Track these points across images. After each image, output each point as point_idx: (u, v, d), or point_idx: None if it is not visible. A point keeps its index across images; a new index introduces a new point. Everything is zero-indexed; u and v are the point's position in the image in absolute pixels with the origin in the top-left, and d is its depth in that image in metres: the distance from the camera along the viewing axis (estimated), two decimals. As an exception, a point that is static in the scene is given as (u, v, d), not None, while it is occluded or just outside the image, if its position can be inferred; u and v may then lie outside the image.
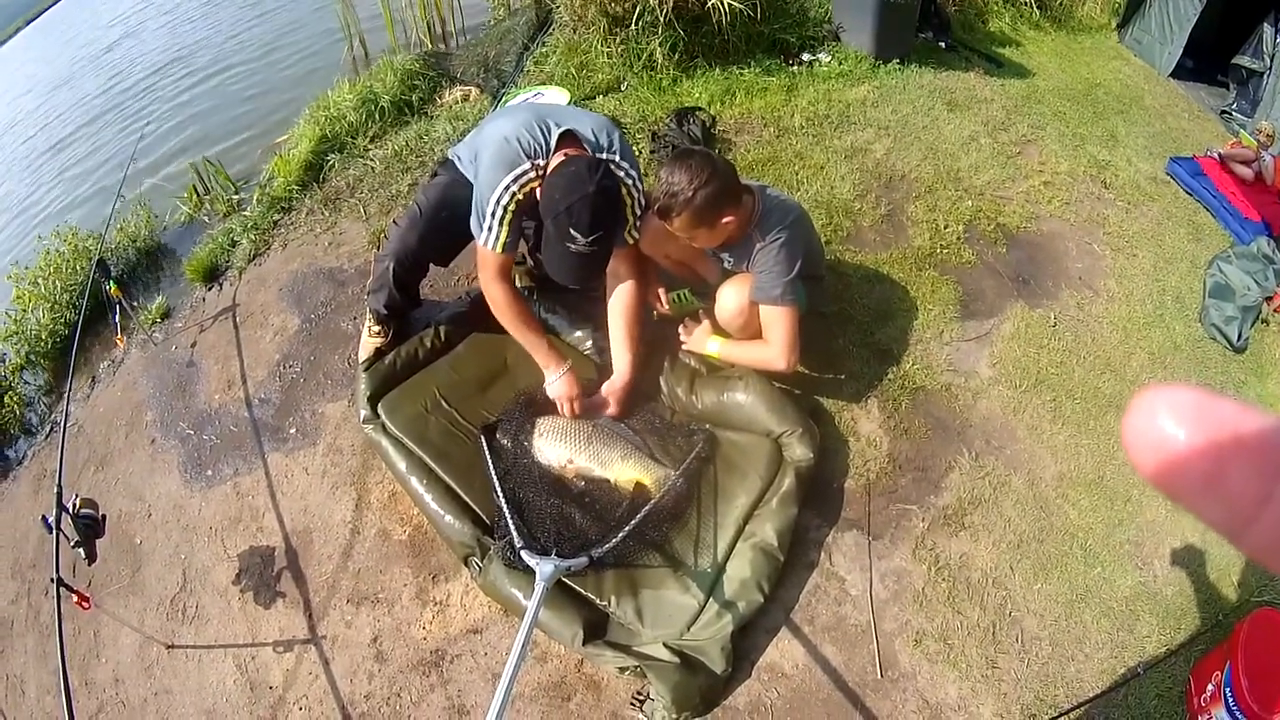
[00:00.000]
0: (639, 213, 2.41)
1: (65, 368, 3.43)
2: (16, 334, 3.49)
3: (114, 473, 2.96)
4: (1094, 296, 3.19)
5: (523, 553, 2.01)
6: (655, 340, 2.75)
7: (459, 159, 2.53)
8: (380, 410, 2.60)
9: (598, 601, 2.18)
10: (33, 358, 3.46)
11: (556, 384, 2.47)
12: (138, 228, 3.91)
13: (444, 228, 2.49)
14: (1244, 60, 4.89)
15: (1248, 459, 0.26)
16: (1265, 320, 3.24)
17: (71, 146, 5.86)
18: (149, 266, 3.83)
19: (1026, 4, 5.49)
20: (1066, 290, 3.20)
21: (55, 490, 2.22)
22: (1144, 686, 2.12)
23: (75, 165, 5.60)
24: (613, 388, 2.51)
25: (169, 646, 2.45)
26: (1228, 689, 1.90)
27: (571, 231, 2.13)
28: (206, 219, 4.00)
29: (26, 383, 3.47)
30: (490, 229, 2.28)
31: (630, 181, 2.33)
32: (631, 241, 2.45)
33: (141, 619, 2.55)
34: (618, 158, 2.30)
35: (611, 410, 2.50)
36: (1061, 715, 1.96)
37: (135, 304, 3.45)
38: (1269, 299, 3.26)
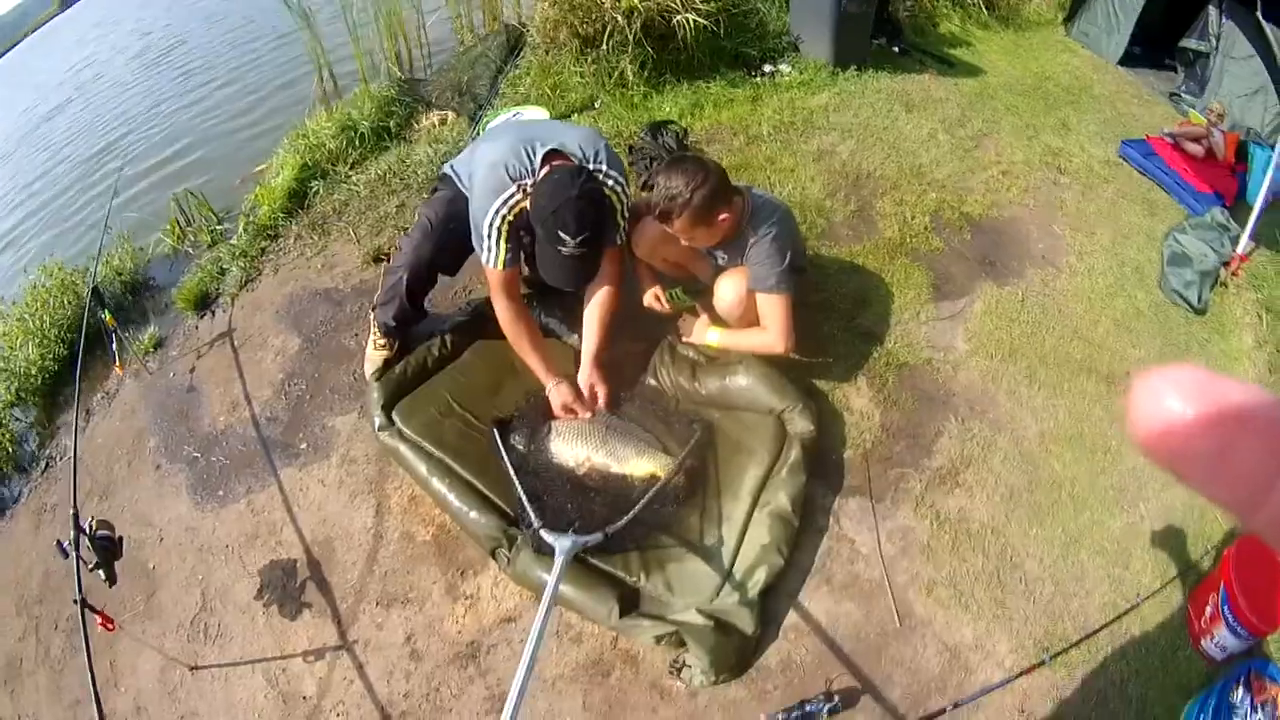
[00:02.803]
0: (626, 218, 2.56)
1: (57, 403, 3.43)
2: (5, 370, 3.44)
3: (119, 501, 2.94)
4: (1057, 273, 3.43)
5: (541, 531, 2.10)
6: (655, 335, 2.89)
7: (456, 175, 2.66)
8: (395, 417, 2.66)
9: (627, 578, 2.27)
10: (23, 394, 3.41)
11: (551, 395, 2.59)
12: (122, 260, 3.90)
13: (453, 238, 2.60)
14: (1190, 43, 5.17)
15: (1256, 437, 0.26)
16: (1224, 284, 3.49)
17: (42, 184, 5.78)
18: (136, 299, 3.81)
19: (974, 5, 5.82)
20: (1031, 269, 3.43)
21: (71, 512, 2.16)
22: (1145, 616, 2.28)
23: (47, 204, 5.54)
24: (584, 372, 2.61)
25: (193, 668, 2.42)
26: (1225, 607, 2.07)
27: (560, 234, 2.27)
28: (191, 250, 4.01)
29: (18, 419, 3.41)
30: (489, 249, 2.42)
31: (619, 190, 2.48)
32: (619, 244, 2.59)
33: (161, 643, 2.52)
34: (605, 167, 2.44)
35: (602, 392, 2.59)
36: (1071, 647, 2.10)
37: (126, 335, 3.45)
38: (1226, 264, 3.49)
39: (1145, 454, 0.28)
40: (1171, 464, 0.28)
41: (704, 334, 2.75)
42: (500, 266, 2.44)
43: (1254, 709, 1.96)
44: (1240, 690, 2.01)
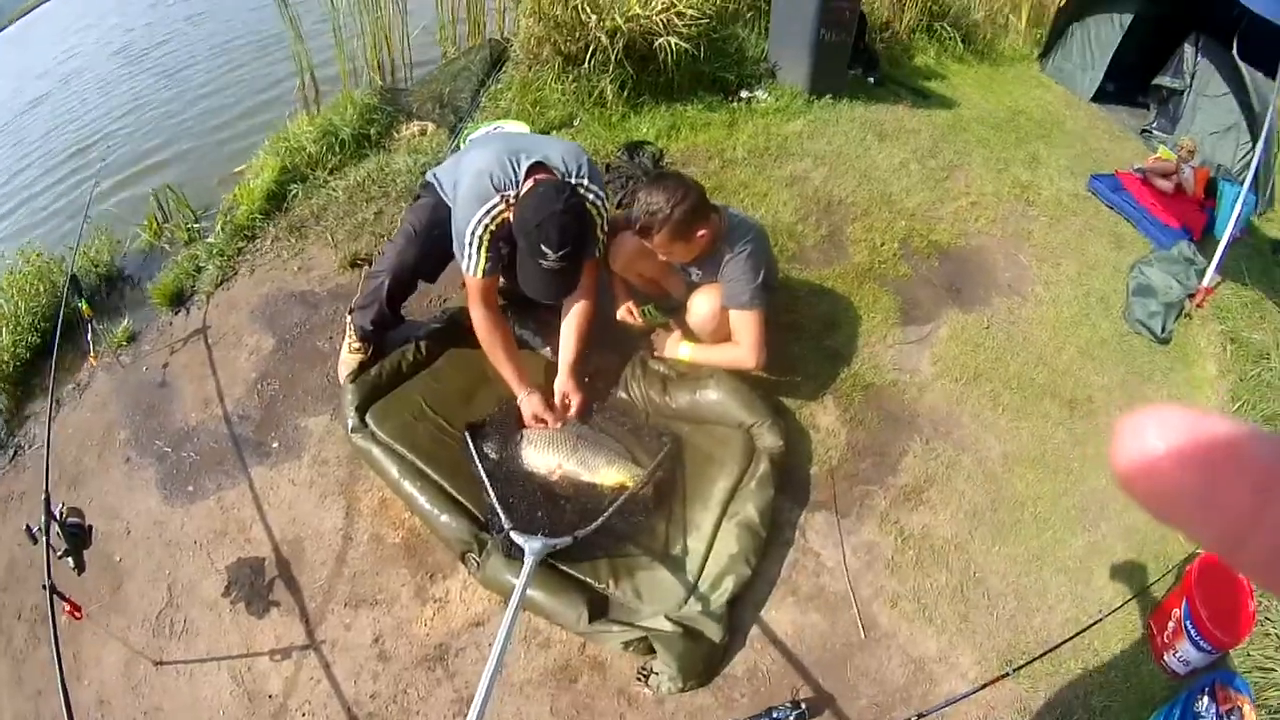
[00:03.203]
0: (605, 232, 2.64)
1: (27, 391, 3.37)
2: (-24, 357, 3.37)
3: (87, 493, 2.90)
4: (1023, 301, 3.56)
5: (512, 533, 2.12)
6: (627, 349, 2.94)
7: (439, 184, 2.70)
8: (369, 419, 2.67)
9: (596, 585, 2.30)
10: (-8, 381, 3.35)
11: (523, 405, 2.64)
12: (99, 252, 3.86)
13: (437, 245, 2.64)
14: (1164, 80, 5.34)
15: (1241, 473, 0.26)
16: (1189, 315, 3.63)
17: (13, 186, 5.67)
18: (111, 291, 3.78)
19: (951, 39, 5.99)
20: (997, 297, 3.55)
21: (43, 496, 2.17)
22: (1107, 632, 2.37)
23: (26, 193, 5.46)
24: (560, 381, 2.66)
25: (157, 663, 2.40)
26: (1188, 622, 2.15)
27: (542, 248, 2.32)
28: (167, 246, 3.98)
29: (-14, 406, 3.35)
30: (469, 257, 2.46)
31: (599, 204, 2.55)
32: (596, 256, 2.66)
33: (126, 637, 2.49)
34: (586, 181, 2.52)
35: (574, 402, 2.64)
36: (1034, 660, 2.16)
37: (101, 327, 3.41)
38: (1191, 296, 3.62)
39: (1129, 494, 0.28)
40: (1155, 504, 0.28)
41: (676, 348, 2.82)
42: (479, 274, 2.48)
43: (1219, 717, 2.01)
44: (1205, 699, 2.06)
